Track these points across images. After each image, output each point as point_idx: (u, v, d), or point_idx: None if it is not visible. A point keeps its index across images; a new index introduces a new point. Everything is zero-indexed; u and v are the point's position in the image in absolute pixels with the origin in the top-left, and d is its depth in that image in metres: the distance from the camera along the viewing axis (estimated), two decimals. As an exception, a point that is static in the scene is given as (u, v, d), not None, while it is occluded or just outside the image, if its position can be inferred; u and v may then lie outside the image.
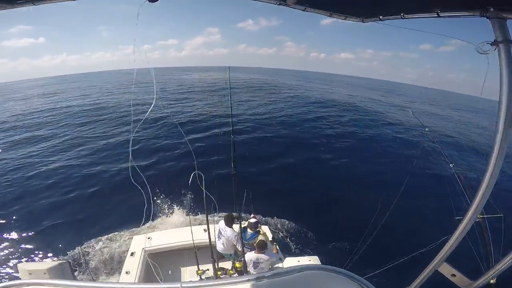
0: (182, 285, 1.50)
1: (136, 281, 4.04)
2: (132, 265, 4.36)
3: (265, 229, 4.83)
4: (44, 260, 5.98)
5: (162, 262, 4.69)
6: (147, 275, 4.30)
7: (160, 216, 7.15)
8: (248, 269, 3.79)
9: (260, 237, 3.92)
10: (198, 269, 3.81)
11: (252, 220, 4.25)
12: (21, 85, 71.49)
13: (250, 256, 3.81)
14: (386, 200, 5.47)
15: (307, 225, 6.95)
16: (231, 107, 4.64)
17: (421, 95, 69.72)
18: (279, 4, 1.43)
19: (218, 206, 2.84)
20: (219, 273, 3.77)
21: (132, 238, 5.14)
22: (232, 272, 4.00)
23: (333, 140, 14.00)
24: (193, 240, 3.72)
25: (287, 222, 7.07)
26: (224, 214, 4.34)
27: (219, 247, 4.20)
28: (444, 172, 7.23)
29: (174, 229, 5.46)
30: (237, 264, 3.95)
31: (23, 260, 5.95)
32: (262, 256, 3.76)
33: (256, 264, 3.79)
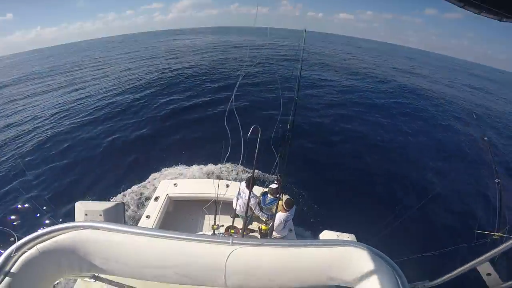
0: (233, 241, 1.65)
1: (154, 226, 4.19)
2: (154, 210, 4.51)
3: (284, 198, 4.95)
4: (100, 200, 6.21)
5: (181, 210, 5.10)
6: (165, 220, 4.53)
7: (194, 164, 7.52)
8: (280, 229, 3.88)
9: (280, 203, 3.95)
10: (214, 223, 3.96)
11: (273, 186, 4.19)
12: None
13: (281, 216, 3.84)
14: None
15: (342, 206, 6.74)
16: (299, 76, 4.05)
17: (429, 60, 67.12)
18: None
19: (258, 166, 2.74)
20: (232, 231, 3.92)
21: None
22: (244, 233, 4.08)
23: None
24: (217, 194, 3.81)
25: (314, 196, 6.85)
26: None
27: (236, 206, 4.24)
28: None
29: (201, 179, 5.58)
30: (264, 227, 4.02)
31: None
32: (289, 214, 3.85)
33: (286, 222, 3.88)
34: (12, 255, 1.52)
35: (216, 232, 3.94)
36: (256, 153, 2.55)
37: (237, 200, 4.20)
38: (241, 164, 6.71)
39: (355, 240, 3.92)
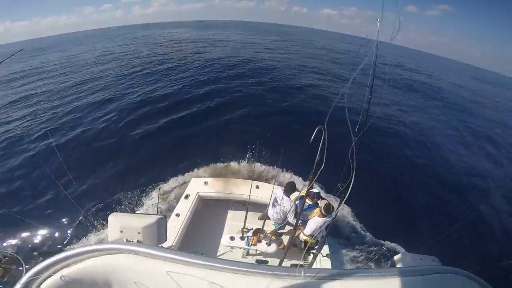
0: (305, 273, 1.39)
1: (183, 225, 4.21)
2: (184, 208, 4.52)
3: (323, 202, 4.61)
4: (139, 209, 5.96)
5: (210, 209, 5.13)
6: (194, 219, 4.58)
7: (230, 160, 7.42)
8: (315, 235, 3.69)
9: (318, 209, 3.77)
10: (244, 226, 3.96)
11: (315, 190, 3.98)
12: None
13: (319, 221, 3.64)
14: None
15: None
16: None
17: (412, 57, 67.62)
18: None
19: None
20: (261, 235, 3.87)
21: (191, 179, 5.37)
22: (274, 238, 3.93)
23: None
24: (249, 195, 4.13)
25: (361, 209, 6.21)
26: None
27: (271, 214, 4.10)
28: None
29: (231, 179, 5.48)
30: (309, 240, 3.75)
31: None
32: (327, 220, 3.59)
33: (321, 228, 3.65)
34: (32, 278, 1.26)
35: (244, 236, 3.88)
36: (316, 158, 2.13)
37: (273, 207, 4.03)
38: (275, 166, 6.62)
39: (440, 264, 3.57)
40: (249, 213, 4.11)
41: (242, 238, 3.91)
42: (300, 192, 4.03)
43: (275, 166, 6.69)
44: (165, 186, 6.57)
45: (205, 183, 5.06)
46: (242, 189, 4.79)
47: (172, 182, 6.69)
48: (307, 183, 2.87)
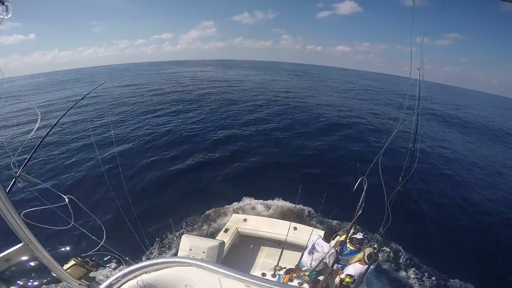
0: None
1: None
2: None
3: (368, 250, 4.64)
4: (203, 235, 6.07)
5: (247, 244, 5.29)
6: (230, 252, 4.66)
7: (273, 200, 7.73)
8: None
9: (360, 255, 3.64)
10: (277, 264, 4.04)
11: (359, 236, 3.84)
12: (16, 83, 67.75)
13: (359, 268, 3.51)
14: None
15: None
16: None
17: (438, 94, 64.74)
18: None
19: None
20: (294, 274, 3.85)
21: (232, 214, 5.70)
22: (307, 278, 3.85)
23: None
24: (286, 236, 4.31)
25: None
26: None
27: (307, 262, 3.87)
28: None
29: (269, 218, 5.62)
30: (348, 279, 3.56)
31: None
32: (370, 268, 3.47)
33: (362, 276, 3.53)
34: (118, 280, 1.52)
35: (276, 273, 3.93)
36: (358, 206, 2.40)
37: (310, 254, 3.86)
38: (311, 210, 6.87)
39: None
40: (284, 252, 4.23)
41: (273, 275, 3.94)
42: (340, 236, 3.91)
43: (315, 210, 7.03)
44: (212, 214, 7.15)
45: (244, 220, 5.23)
46: (280, 229, 4.89)
47: (215, 214, 7.21)
48: (347, 227, 2.98)
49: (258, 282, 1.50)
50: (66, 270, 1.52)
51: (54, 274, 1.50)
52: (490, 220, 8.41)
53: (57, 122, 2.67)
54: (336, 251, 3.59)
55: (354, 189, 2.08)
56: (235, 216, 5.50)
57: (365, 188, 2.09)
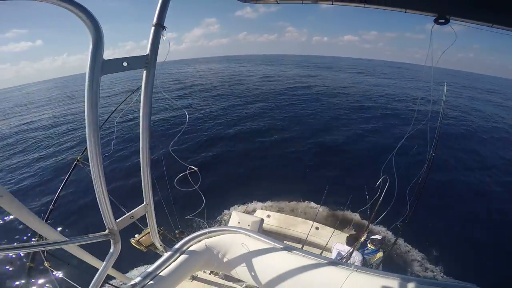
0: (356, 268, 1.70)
1: None
2: None
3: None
4: (249, 212, 6.60)
5: None
6: None
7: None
8: None
9: (380, 254, 3.88)
10: None
11: (378, 237, 4.08)
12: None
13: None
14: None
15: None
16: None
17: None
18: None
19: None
20: None
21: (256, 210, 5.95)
22: None
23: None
24: (307, 234, 4.48)
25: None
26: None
27: None
28: None
29: (292, 217, 5.65)
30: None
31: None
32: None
33: None
34: (188, 242, 1.97)
35: None
36: (377, 205, 2.48)
37: None
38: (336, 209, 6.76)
39: None
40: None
41: None
42: (359, 237, 4.04)
43: (339, 210, 6.82)
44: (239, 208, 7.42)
45: (268, 216, 5.33)
46: (302, 228, 4.98)
47: (241, 208, 7.41)
48: (364, 228, 3.20)
49: (290, 251, 1.87)
50: (141, 237, 1.89)
51: (151, 238, 1.84)
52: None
53: (113, 111, 2.96)
54: (364, 257, 3.78)
55: (376, 186, 2.19)
56: (259, 212, 5.65)
57: (386, 187, 2.18)
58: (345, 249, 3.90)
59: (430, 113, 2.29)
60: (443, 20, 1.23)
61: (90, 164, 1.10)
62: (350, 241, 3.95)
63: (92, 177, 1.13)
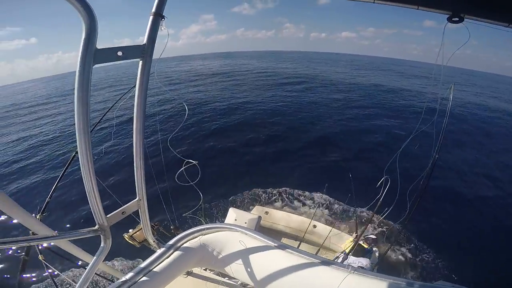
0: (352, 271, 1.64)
1: None
2: None
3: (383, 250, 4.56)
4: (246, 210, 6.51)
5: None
6: None
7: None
8: None
9: (375, 255, 3.92)
10: None
11: (372, 237, 4.16)
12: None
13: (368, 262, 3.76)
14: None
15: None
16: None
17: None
18: None
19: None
20: None
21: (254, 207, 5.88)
22: None
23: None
24: (305, 232, 4.52)
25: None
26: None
27: None
28: None
29: (290, 214, 5.66)
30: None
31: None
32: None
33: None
34: (182, 238, 1.94)
35: None
36: (377, 206, 2.53)
37: None
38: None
39: None
40: (300, 247, 4.25)
41: None
42: (352, 237, 4.18)
43: (338, 208, 6.77)
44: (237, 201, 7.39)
45: (266, 213, 5.37)
46: (300, 225, 5.03)
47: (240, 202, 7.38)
48: (360, 228, 3.20)
49: (285, 250, 1.84)
50: (135, 232, 1.87)
51: (144, 233, 1.82)
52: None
53: (112, 104, 2.94)
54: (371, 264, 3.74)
55: (378, 187, 2.21)
56: (258, 207, 5.67)
57: (387, 187, 2.19)
58: (356, 261, 3.81)
59: (436, 115, 2.24)
60: (457, 19, 1.17)
61: (79, 156, 1.04)
62: (357, 253, 3.88)
63: (82, 169, 1.07)
